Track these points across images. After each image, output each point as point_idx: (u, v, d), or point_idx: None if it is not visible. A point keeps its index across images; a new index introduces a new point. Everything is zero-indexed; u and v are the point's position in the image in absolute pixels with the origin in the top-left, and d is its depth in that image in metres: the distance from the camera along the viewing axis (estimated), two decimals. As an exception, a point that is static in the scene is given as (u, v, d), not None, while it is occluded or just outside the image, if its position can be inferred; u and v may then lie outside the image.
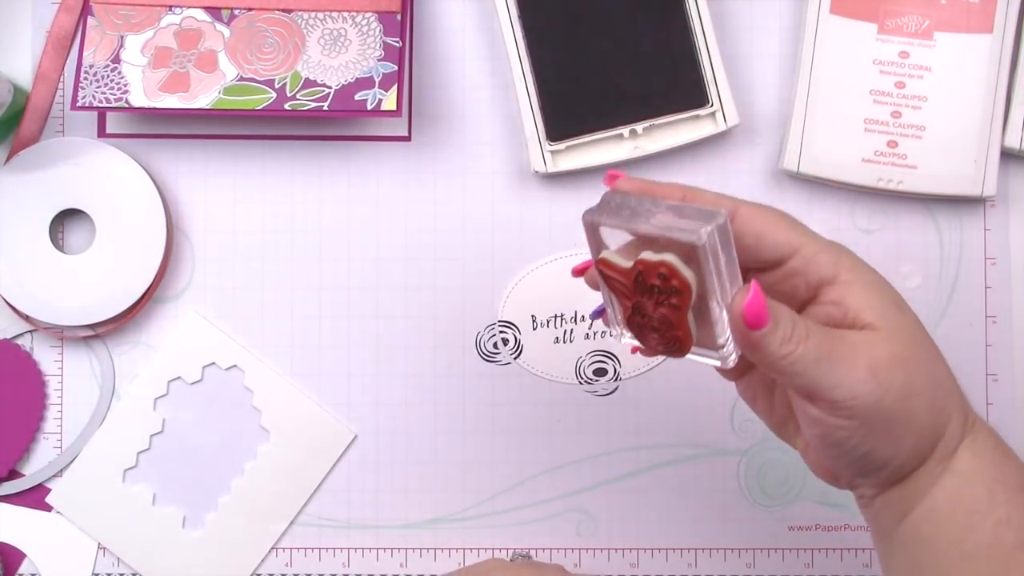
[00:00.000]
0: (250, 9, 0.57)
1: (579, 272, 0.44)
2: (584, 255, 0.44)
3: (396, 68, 0.56)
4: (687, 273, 0.39)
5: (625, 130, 0.57)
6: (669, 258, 0.39)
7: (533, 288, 0.60)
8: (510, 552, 0.59)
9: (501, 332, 0.60)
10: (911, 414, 0.41)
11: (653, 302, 0.40)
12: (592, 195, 0.59)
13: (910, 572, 0.43)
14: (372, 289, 0.60)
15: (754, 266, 0.42)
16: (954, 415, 0.43)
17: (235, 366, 0.60)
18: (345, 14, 0.57)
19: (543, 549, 0.59)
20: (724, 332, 0.41)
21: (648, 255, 0.40)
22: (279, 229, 0.60)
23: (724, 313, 0.40)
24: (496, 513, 0.60)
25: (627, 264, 0.40)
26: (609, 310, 0.43)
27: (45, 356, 0.60)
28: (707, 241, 0.38)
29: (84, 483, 0.59)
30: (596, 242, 0.41)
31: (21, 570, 0.60)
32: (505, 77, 0.59)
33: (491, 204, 0.60)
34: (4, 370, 0.59)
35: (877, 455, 0.42)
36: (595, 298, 0.44)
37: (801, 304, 0.43)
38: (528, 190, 0.60)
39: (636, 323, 0.41)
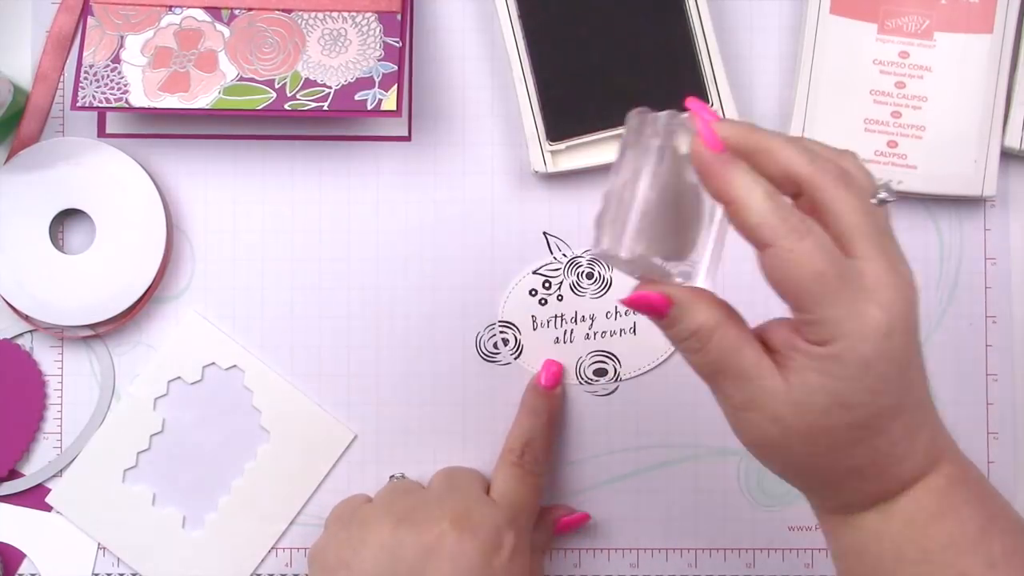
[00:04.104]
0: (250, 9, 0.57)
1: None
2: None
3: (396, 68, 0.56)
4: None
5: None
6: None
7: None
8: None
9: (501, 332, 0.60)
10: (802, 472, 0.43)
11: None
12: (592, 195, 0.60)
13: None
14: (372, 289, 0.60)
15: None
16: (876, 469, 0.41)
17: (235, 366, 0.60)
18: (345, 14, 0.57)
19: (543, 549, 0.59)
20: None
21: None
22: (279, 229, 0.60)
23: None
24: (496, 513, 0.60)
25: None
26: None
27: (45, 356, 0.60)
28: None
29: (84, 483, 0.59)
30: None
31: (21, 570, 0.60)
32: (505, 77, 0.59)
33: (491, 204, 0.60)
34: (4, 370, 0.59)
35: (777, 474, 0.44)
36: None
37: None
38: (528, 190, 0.60)
39: None
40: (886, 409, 0.40)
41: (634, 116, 0.42)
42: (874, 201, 0.41)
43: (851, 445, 0.40)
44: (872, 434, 0.40)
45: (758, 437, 0.42)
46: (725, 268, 0.43)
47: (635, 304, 0.42)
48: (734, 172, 0.39)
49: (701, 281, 0.43)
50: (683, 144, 0.41)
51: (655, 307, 0.42)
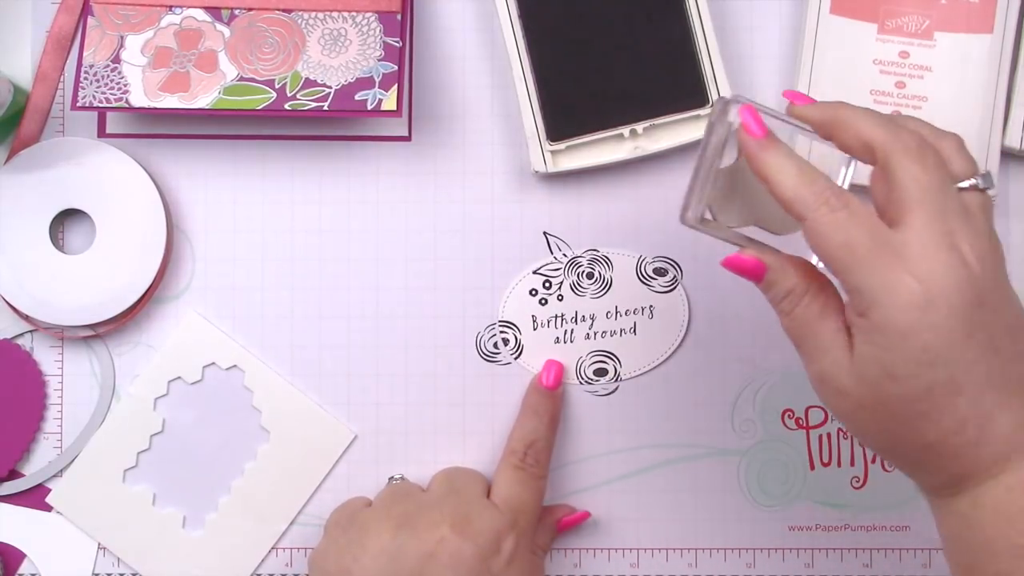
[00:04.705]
0: (250, 9, 0.57)
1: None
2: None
3: (396, 68, 0.56)
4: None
5: (625, 130, 0.57)
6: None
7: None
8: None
9: (501, 332, 0.60)
10: (879, 432, 0.43)
11: None
12: (592, 195, 0.60)
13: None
14: (372, 289, 0.60)
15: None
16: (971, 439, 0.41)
17: (235, 366, 0.60)
18: (345, 14, 0.57)
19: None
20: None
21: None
22: (279, 229, 0.60)
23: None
24: (496, 513, 0.60)
25: None
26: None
27: (45, 356, 0.60)
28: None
29: (84, 483, 0.59)
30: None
31: (21, 570, 0.60)
32: (505, 77, 0.59)
33: (491, 204, 0.60)
34: (4, 370, 0.59)
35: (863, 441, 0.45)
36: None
37: None
38: (528, 190, 0.60)
39: None
40: (939, 384, 0.40)
41: (718, 102, 0.46)
42: (963, 185, 0.42)
43: (914, 419, 0.41)
44: (931, 409, 0.40)
45: (834, 409, 0.43)
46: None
47: (729, 267, 0.45)
48: (769, 153, 0.43)
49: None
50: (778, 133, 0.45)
51: (746, 269, 0.45)
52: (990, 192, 0.43)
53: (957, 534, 0.42)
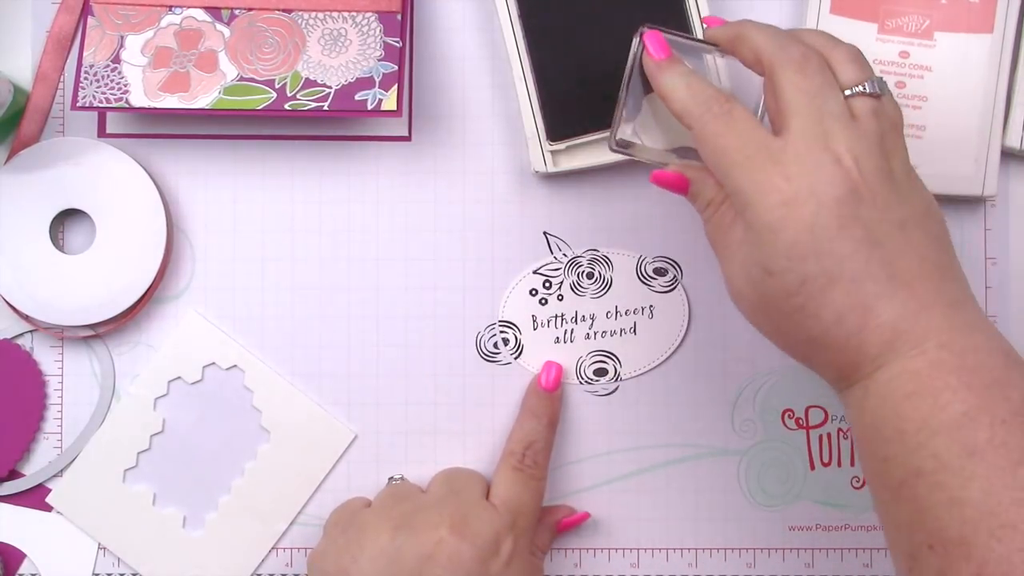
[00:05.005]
0: (250, 9, 0.57)
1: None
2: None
3: (396, 68, 0.56)
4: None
5: (625, 130, 0.57)
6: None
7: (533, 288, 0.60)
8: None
9: (501, 332, 0.60)
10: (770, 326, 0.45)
11: None
12: (592, 195, 0.60)
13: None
14: (372, 289, 0.60)
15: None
16: (857, 335, 0.42)
17: (235, 366, 0.60)
18: (345, 14, 0.57)
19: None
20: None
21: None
22: (279, 229, 0.60)
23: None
24: (496, 513, 0.60)
25: None
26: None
27: (45, 356, 0.60)
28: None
29: (84, 483, 0.59)
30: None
31: (21, 570, 0.60)
32: (505, 77, 0.60)
33: (491, 204, 0.60)
34: (4, 370, 0.59)
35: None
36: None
37: None
38: (528, 190, 0.60)
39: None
40: (811, 277, 0.42)
41: (635, 36, 0.50)
42: (849, 92, 0.44)
43: (795, 313, 0.43)
44: (807, 301, 0.42)
45: (742, 312, 0.46)
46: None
47: (656, 182, 0.49)
48: (665, 72, 0.47)
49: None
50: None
51: (670, 182, 0.48)
52: (884, 96, 0.45)
53: (855, 423, 0.44)
